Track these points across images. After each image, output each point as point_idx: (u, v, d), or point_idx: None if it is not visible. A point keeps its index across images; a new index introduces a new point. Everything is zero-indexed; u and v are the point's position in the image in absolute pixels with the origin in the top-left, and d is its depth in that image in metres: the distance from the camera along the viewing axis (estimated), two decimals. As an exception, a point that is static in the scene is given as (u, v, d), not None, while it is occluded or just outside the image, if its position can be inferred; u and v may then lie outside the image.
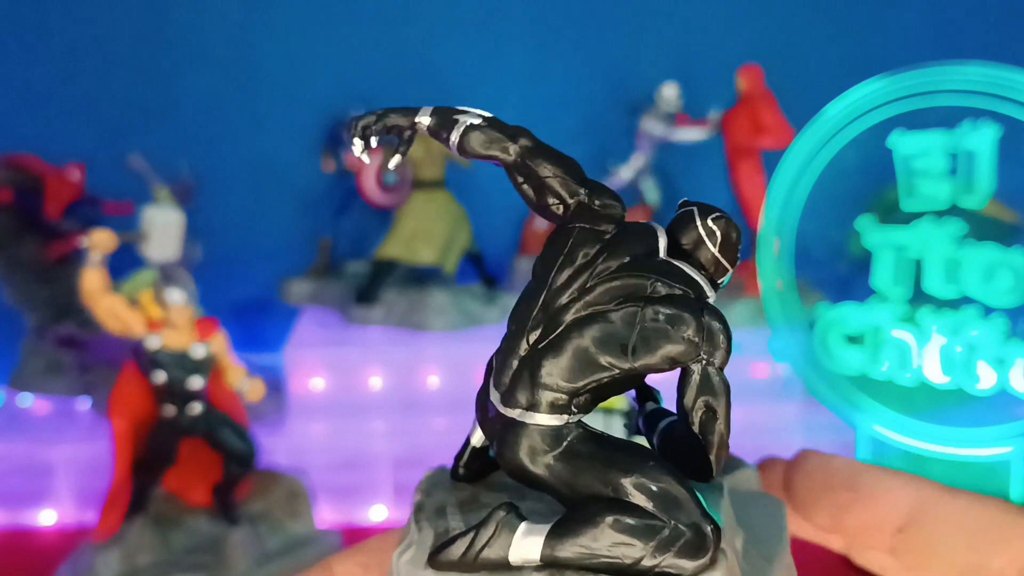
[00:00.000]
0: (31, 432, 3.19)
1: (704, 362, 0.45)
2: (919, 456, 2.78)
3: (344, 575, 0.52)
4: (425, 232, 3.52)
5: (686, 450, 0.45)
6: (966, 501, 0.44)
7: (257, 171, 4.04)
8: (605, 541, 0.40)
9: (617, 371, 0.43)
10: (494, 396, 0.44)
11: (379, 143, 0.49)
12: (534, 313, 0.44)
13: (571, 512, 0.41)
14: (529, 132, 0.49)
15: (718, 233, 0.48)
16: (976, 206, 2.68)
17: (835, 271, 3.68)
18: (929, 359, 2.65)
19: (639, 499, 0.41)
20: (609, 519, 0.40)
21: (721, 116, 3.67)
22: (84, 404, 3.35)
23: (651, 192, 3.96)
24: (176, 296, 2.23)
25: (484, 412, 0.45)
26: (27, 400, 3.43)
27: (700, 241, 0.47)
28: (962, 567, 0.41)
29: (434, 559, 0.41)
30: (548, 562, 0.40)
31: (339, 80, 4.03)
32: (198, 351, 2.26)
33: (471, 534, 0.41)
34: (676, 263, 0.46)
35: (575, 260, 0.44)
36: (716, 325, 0.45)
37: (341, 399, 3.25)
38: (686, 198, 0.52)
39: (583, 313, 0.43)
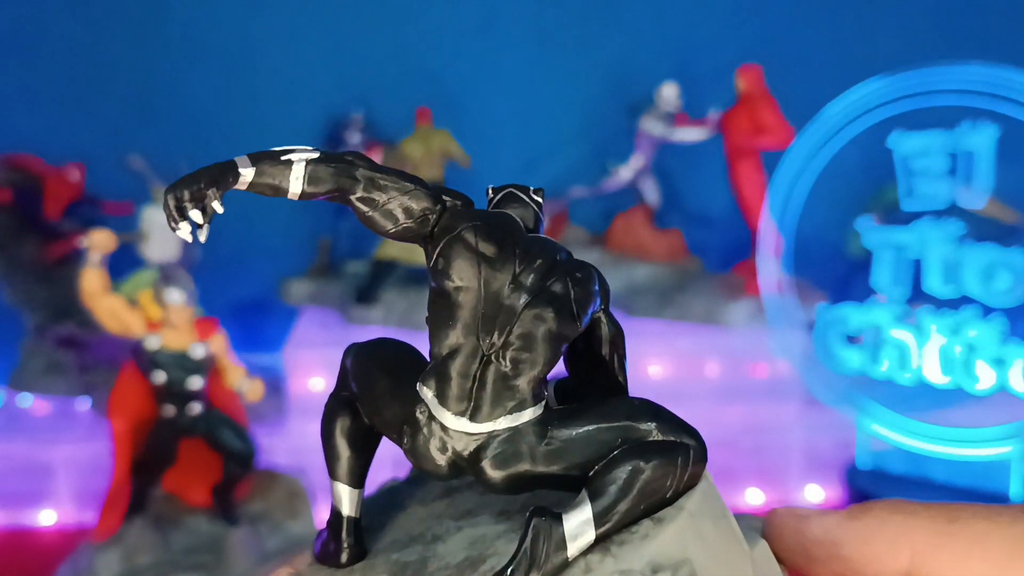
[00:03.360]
0: (31, 432, 3.19)
1: (604, 309, 0.47)
2: (919, 456, 2.79)
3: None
4: (425, 232, 3.52)
5: (590, 392, 0.48)
6: (969, 529, 0.42)
7: (257, 171, 4.04)
8: (644, 488, 0.41)
9: (568, 341, 0.45)
10: (451, 422, 0.43)
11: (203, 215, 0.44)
12: (480, 320, 0.43)
13: (597, 480, 0.41)
14: (360, 154, 0.48)
15: (541, 201, 0.50)
16: (976, 206, 2.69)
17: (835, 271, 3.70)
18: (929, 359, 2.66)
19: (650, 436, 0.42)
20: (642, 466, 0.41)
21: (720, 116, 3.67)
22: (84, 404, 3.35)
23: (651, 192, 3.96)
24: (176, 296, 2.23)
25: (427, 456, 0.44)
26: (27, 400, 3.43)
27: (537, 216, 0.50)
28: None
29: None
30: (601, 537, 0.40)
31: (339, 80, 4.04)
32: (198, 351, 2.26)
33: (522, 559, 0.39)
34: (540, 235, 0.48)
35: (489, 259, 0.44)
36: (600, 273, 0.47)
37: (341, 399, 3.24)
38: (490, 185, 0.52)
39: (530, 299, 0.44)
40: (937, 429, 2.62)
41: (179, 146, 3.68)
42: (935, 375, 2.60)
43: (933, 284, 2.61)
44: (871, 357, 2.69)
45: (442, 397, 0.43)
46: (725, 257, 3.97)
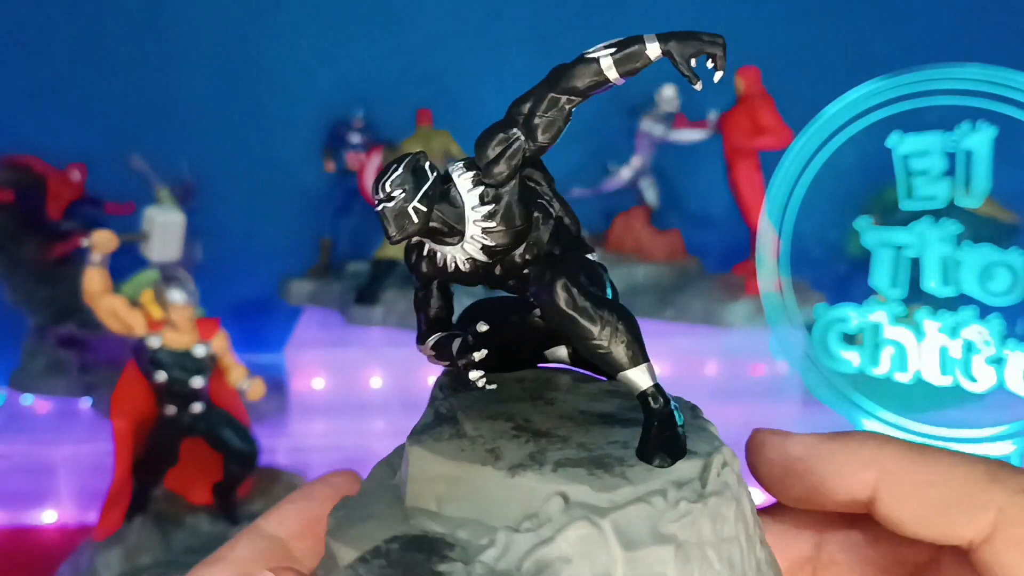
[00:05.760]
0: (32, 432, 3.20)
1: None
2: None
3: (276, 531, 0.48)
4: (425, 232, 3.52)
5: None
6: (936, 460, 0.44)
7: (257, 171, 4.04)
8: None
9: None
10: None
11: None
12: None
13: None
14: None
15: None
16: (973, 206, 2.69)
17: (834, 271, 3.70)
18: (927, 359, 2.66)
19: None
20: None
21: (719, 117, 3.67)
22: (85, 404, 3.36)
23: (650, 192, 3.97)
24: (177, 296, 2.24)
25: None
26: (28, 400, 3.44)
27: None
28: (940, 524, 0.42)
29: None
30: None
31: (339, 80, 4.04)
32: (199, 351, 2.26)
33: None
34: None
35: None
36: None
37: (341, 399, 3.26)
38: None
39: None
40: (936, 429, 2.63)
41: (179, 146, 3.70)
42: (934, 375, 2.60)
43: (932, 284, 2.62)
44: (870, 357, 2.70)
45: None
46: (724, 257, 3.97)
